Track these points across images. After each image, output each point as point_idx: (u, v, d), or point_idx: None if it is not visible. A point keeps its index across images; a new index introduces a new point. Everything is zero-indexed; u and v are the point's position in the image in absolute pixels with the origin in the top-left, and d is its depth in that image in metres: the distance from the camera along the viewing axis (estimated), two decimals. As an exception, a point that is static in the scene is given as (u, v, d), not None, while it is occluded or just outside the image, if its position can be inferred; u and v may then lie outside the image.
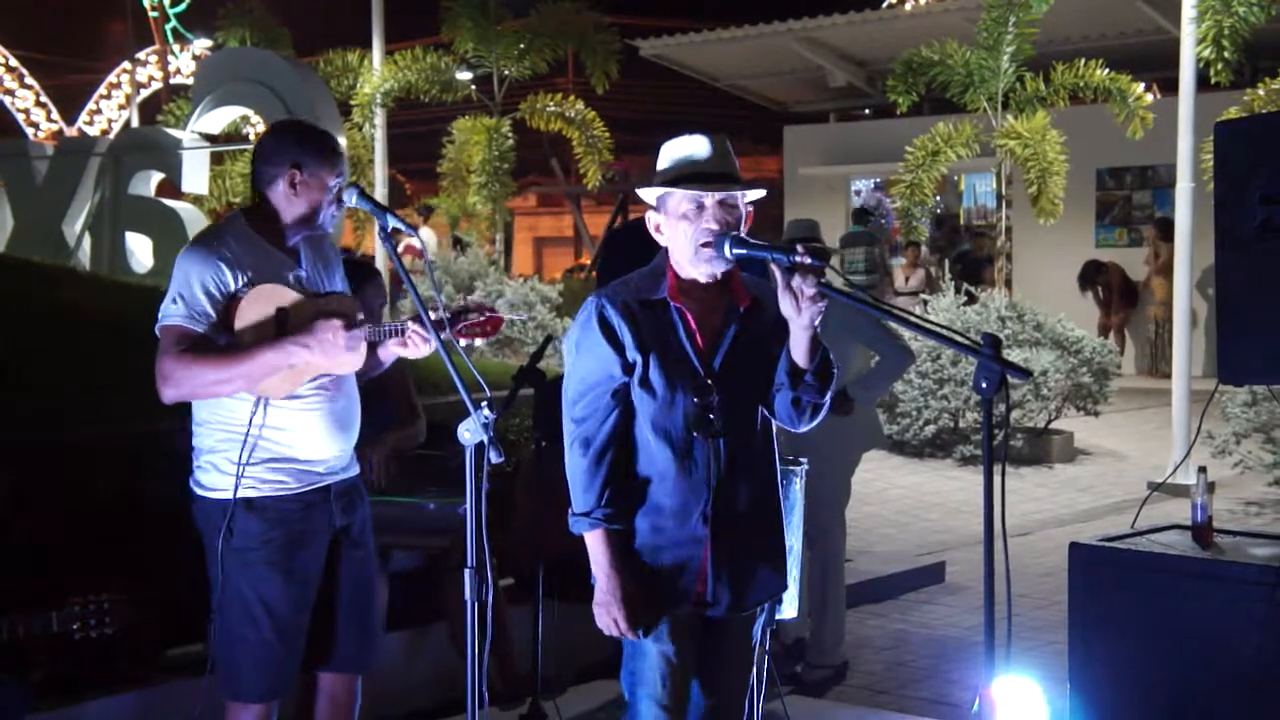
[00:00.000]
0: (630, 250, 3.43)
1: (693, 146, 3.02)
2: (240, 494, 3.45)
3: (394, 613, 4.74)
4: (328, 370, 3.51)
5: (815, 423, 3.06)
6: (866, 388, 5.69)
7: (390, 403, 4.70)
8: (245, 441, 3.43)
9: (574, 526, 3.01)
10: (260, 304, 3.47)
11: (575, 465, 3.00)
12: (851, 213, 17.35)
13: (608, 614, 2.98)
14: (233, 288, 3.44)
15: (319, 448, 3.55)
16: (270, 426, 3.47)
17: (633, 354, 2.98)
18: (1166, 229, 15.27)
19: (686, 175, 2.99)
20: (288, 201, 3.53)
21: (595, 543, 2.99)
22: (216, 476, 3.49)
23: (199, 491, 3.54)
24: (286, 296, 3.51)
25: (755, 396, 3.07)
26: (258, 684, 3.52)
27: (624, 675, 3.10)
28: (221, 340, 3.42)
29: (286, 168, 3.51)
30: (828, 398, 3.01)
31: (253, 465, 3.46)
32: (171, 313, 3.40)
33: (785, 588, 3.23)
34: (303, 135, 3.62)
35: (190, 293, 3.40)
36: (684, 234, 2.98)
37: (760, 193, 3.04)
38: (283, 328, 3.47)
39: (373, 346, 3.60)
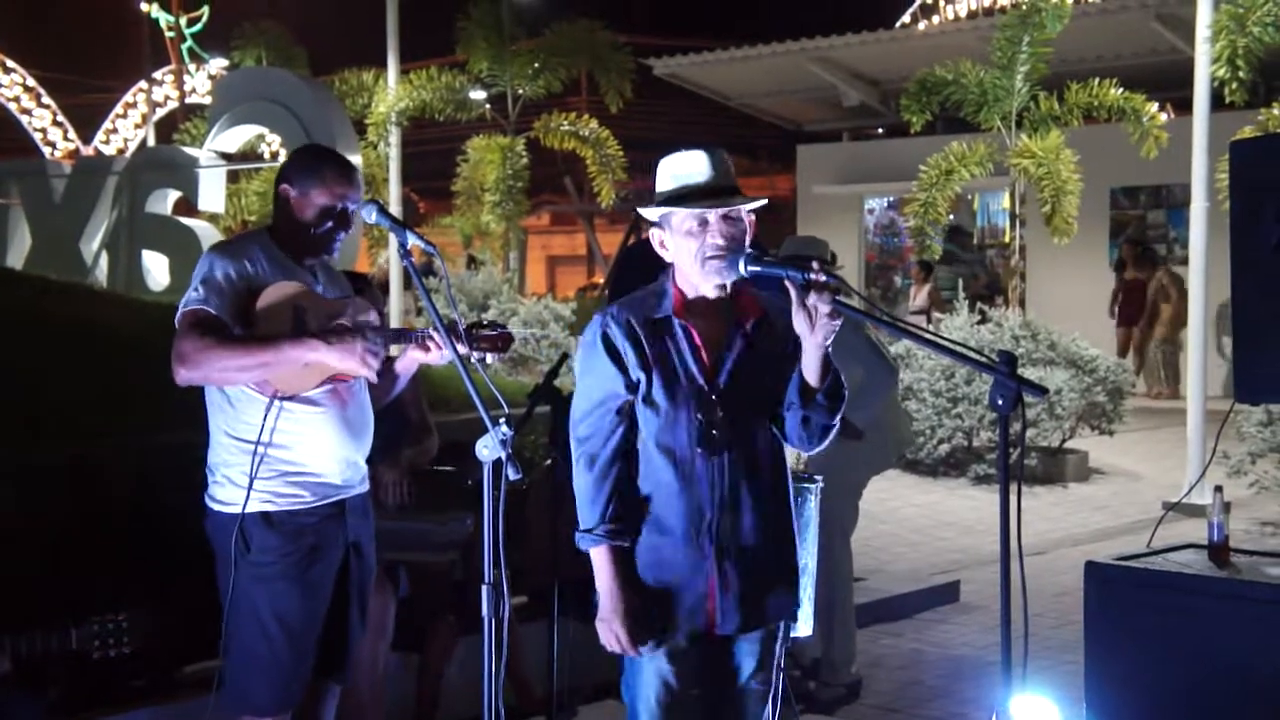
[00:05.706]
0: (643, 268, 3.43)
1: (691, 163, 3.03)
2: (258, 508, 3.44)
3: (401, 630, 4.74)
4: (343, 372, 3.46)
5: (825, 444, 3.07)
6: (856, 409, 5.60)
7: (401, 417, 4.70)
8: (255, 452, 3.41)
9: (580, 542, 3.05)
10: (278, 298, 3.46)
11: (580, 482, 3.04)
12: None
13: (610, 630, 3.01)
14: (253, 284, 3.45)
15: (330, 457, 3.53)
16: (282, 432, 3.44)
17: (636, 372, 3.01)
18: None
19: (688, 193, 2.99)
20: (288, 218, 3.56)
21: (599, 558, 3.02)
22: (232, 490, 3.48)
23: (214, 506, 3.53)
24: (303, 295, 3.51)
25: (763, 413, 3.06)
26: (269, 697, 3.52)
27: (624, 687, 3.15)
28: (237, 330, 3.41)
29: (286, 185, 3.56)
30: (837, 419, 3.02)
31: (268, 479, 3.45)
32: (192, 299, 3.41)
33: (798, 606, 3.22)
34: (312, 156, 3.67)
35: (212, 280, 3.41)
36: (689, 251, 2.99)
37: (761, 202, 3.06)
38: (300, 325, 3.45)
39: (388, 362, 3.61)
